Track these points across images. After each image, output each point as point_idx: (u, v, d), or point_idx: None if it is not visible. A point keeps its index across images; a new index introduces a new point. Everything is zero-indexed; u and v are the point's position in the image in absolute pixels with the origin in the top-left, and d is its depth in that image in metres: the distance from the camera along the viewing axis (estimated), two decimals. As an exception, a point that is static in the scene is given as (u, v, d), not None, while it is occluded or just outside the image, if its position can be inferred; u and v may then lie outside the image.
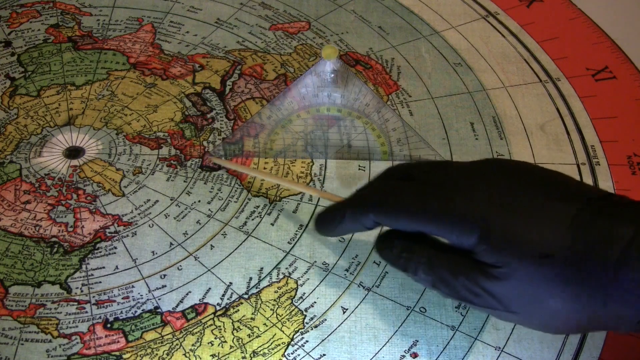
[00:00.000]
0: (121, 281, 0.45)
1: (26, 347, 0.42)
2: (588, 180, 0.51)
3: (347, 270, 0.46)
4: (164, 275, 0.45)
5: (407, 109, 0.55)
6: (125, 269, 0.45)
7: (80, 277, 0.45)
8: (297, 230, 0.48)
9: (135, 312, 0.43)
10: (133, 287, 0.45)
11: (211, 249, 0.47)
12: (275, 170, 0.51)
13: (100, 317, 0.43)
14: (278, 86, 0.56)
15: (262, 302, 0.44)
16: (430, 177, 0.38)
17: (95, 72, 0.57)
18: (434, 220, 0.36)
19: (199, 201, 0.49)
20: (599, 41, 0.61)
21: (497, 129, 0.54)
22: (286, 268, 0.46)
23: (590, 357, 0.42)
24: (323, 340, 0.43)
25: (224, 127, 0.53)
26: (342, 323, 0.43)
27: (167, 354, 0.42)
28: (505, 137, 0.53)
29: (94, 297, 0.44)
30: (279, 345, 0.42)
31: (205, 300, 0.44)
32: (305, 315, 0.44)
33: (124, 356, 0.42)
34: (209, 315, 0.43)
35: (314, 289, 0.45)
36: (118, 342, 0.42)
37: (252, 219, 0.48)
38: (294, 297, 0.44)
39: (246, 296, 0.44)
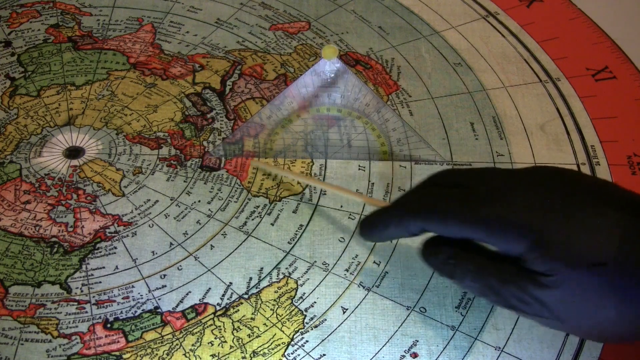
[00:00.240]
0: (121, 281, 0.45)
1: (26, 347, 0.42)
2: (588, 180, 0.51)
3: (347, 270, 0.46)
4: (164, 275, 0.45)
5: (407, 109, 0.55)
6: (125, 269, 0.45)
7: (80, 277, 0.45)
8: (297, 230, 0.48)
9: (135, 312, 0.43)
10: (133, 287, 0.45)
11: (211, 249, 0.47)
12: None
13: (100, 317, 0.43)
14: (278, 86, 0.56)
15: (262, 302, 0.44)
16: (477, 184, 0.38)
17: (95, 72, 0.57)
18: (484, 227, 0.36)
19: (199, 201, 0.49)
20: (599, 41, 0.61)
21: (497, 129, 0.54)
22: (286, 268, 0.46)
23: (590, 357, 0.42)
24: (323, 340, 0.43)
25: (224, 127, 0.53)
26: (342, 323, 0.43)
27: (167, 354, 0.42)
28: (505, 137, 0.53)
29: (94, 297, 0.44)
30: (279, 345, 0.42)
31: (205, 300, 0.44)
32: (305, 315, 0.44)
33: (124, 356, 0.42)
34: (209, 315, 0.43)
35: (314, 289, 0.45)
36: (118, 342, 0.42)
37: (252, 219, 0.48)
38: (294, 297, 0.44)
39: (246, 296, 0.44)
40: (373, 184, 0.50)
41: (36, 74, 0.56)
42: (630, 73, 0.58)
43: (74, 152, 0.51)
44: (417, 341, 0.43)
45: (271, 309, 0.44)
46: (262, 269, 0.46)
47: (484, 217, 0.36)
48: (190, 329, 0.43)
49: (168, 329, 0.43)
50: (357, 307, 0.44)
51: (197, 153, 0.52)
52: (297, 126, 0.52)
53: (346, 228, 0.48)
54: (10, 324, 0.43)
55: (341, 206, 0.49)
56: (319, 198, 0.49)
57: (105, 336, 0.42)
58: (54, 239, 0.47)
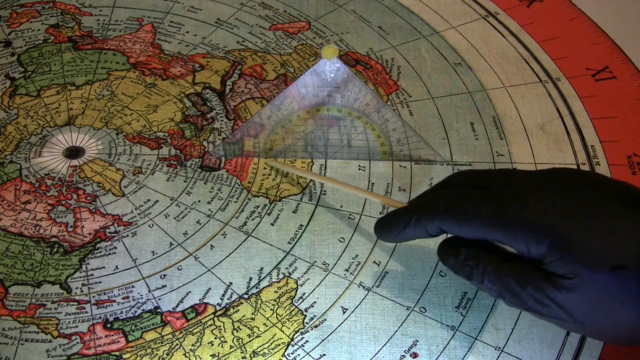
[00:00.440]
0: (121, 281, 0.45)
1: (26, 347, 0.42)
2: (588, 180, 0.51)
3: (347, 270, 0.46)
4: (164, 275, 0.45)
5: (407, 109, 0.55)
6: (125, 269, 0.45)
7: (80, 277, 0.45)
8: (297, 230, 0.48)
9: (135, 312, 0.43)
10: (133, 287, 0.45)
11: (211, 249, 0.47)
12: (275, 170, 0.51)
13: (100, 317, 0.43)
14: (278, 86, 0.56)
15: (262, 302, 0.44)
16: (497, 185, 0.38)
17: (95, 72, 0.57)
18: (503, 228, 0.36)
19: (199, 201, 0.49)
20: (599, 41, 0.61)
21: (497, 129, 0.54)
22: (286, 268, 0.46)
23: (590, 357, 0.42)
24: (323, 340, 0.43)
25: (224, 127, 0.53)
26: (342, 323, 0.43)
27: (167, 354, 0.42)
28: (505, 137, 0.53)
29: (94, 297, 0.44)
30: (279, 345, 0.42)
31: (205, 300, 0.44)
32: (305, 315, 0.44)
33: (124, 356, 0.42)
34: (209, 315, 0.43)
35: (314, 289, 0.45)
36: (118, 342, 0.42)
37: (252, 219, 0.48)
38: (294, 297, 0.44)
39: (246, 296, 0.44)
40: (373, 184, 0.50)
41: (36, 74, 0.56)
42: (630, 73, 0.58)
43: (74, 152, 0.51)
44: (417, 341, 0.43)
45: (271, 309, 0.44)
46: (262, 269, 0.46)
47: (504, 218, 0.36)
48: (190, 329, 0.43)
49: (168, 329, 0.43)
50: (357, 307, 0.44)
51: (197, 153, 0.52)
52: (297, 126, 0.52)
53: (346, 228, 0.48)
54: (10, 324, 0.43)
55: (341, 206, 0.49)
56: (319, 198, 0.49)
57: (105, 336, 0.42)
58: (54, 239, 0.47)
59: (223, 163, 0.51)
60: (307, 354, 0.42)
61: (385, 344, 0.42)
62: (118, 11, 0.62)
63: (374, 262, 0.46)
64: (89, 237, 0.47)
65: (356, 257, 0.46)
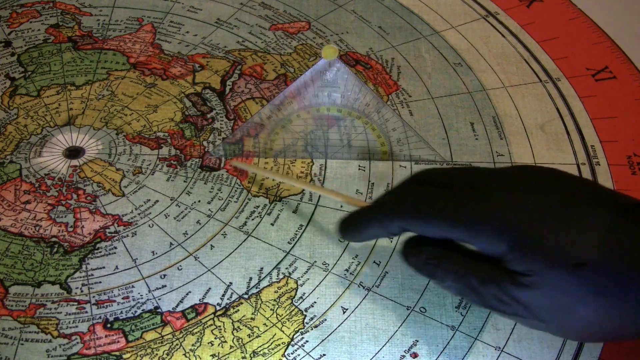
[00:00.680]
0: (121, 281, 0.45)
1: (26, 347, 0.42)
2: (588, 180, 0.51)
3: (347, 270, 0.46)
4: (164, 275, 0.45)
5: (407, 109, 0.55)
6: (125, 269, 0.45)
7: (80, 277, 0.45)
8: (297, 230, 0.48)
9: (135, 312, 0.43)
10: (133, 287, 0.45)
11: (211, 249, 0.47)
12: (275, 170, 0.51)
13: (100, 317, 0.43)
14: (278, 86, 0.56)
15: (262, 302, 0.44)
16: (459, 184, 0.38)
17: (95, 72, 0.57)
18: (463, 228, 0.36)
19: (199, 201, 0.49)
20: (599, 41, 0.61)
21: (497, 129, 0.54)
22: (286, 268, 0.46)
23: (590, 357, 0.42)
24: (323, 340, 0.43)
25: (224, 127, 0.53)
26: (342, 323, 0.43)
27: (167, 354, 0.42)
28: (505, 137, 0.53)
29: (94, 297, 0.44)
30: (279, 345, 0.42)
31: (205, 300, 0.44)
32: (305, 315, 0.44)
33: (124, 356, 0.42)
34: (209, 315, 0.43)
35: (314, 289, 0.45)
36: (118, 342, 0.42)
37: (252, 219, 0.48)
38: (294, 297, 0.44)
39: (246, 296, 0.44)
40: (373, 184, 0.50)
41: (36, 74, 0.56)
42: (630, 73, 0.58)
43: (74, 152, 0.51)
44: (417, 341, 0.43)
45: (271, 309, 0.44)
46: (262, 269, 0.46)
47: (465, 216, 0.36)
48: (190, 329, 0.43)
49: (168, 329, 0.43)
50: (357, 307, 0.44)
51: (197, 153, 0.52)
52: (297, 126, 0.52)
53: (346, 228, 0.48)
54: (10, 324, 0.43)
55: (341, 206, 0.49)
56: (319, 198, 0.49)
57: (105, 336, 0.42)
58: (54, 239, 0.47)
59: (223, 163, 0.51)
60: (307, 354, 0.42)
61: (385, 344, 0.42)
62: (118, 11, 0.62)
63: (374, 262, 0.46)
64: (89, 237, 0.47)
65: (356, 257, 0.46)
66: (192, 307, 0.44)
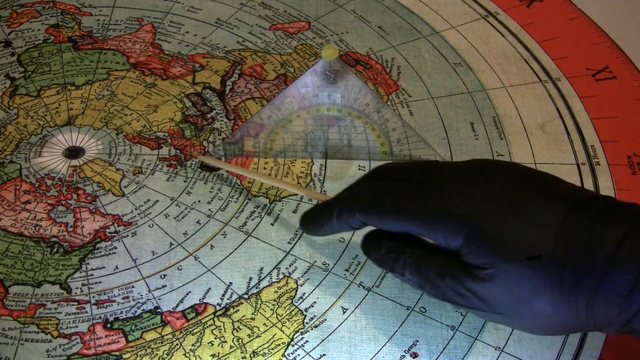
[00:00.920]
0: (121, 281, 0.45)
1: (26, 347, 0.42)
2: (588, 180, 0.51)
3: (347, 270, 0.46)
4: (164, 275, 0.45)
5: (407, 109, 0.55)
6: (125, 269, 0.45)
7: (80, 277, 0.45)
8: (297, 230, 0.48)
9: (135, 312, 0.43)
10: (133, 287, 0.45)
11: (211, 249, 0.47)
12: (276, 170, 0.51)
13: (100, 317, 0.43)
14: (278, 86, 0.56)
15: (262, 302, 0.44)
16: (417, 178, 0.38)
17: (95, 72, 0.57)
18: (420, 221, 0.36)
19: (199, 201, 0.49)
20: (599, 41, 0.61)
21: (497, 129, 0.54)
22: (286, 268, 0.46)
23: (590, 357, 0.42)
24: (323, 340, 0.43)
25: (224, 127, 0.53)
26: (342, 323, 0.43)
27: (167, 354, 0.42)
28: (505, 137, 0.53)
29: (94, 297, 0.44)
30: (279, 345, 0.42)
31: (205, 300, 0.44)
32: (305, 315, 0.44)
33: (124, 356, 0.42)
34: (209, 315, 0.43)
35: (314, 289, 0.45)
36: (118, 342, 0.42)
37: (252, 219, 0.48)
38: (294, 297, 0.44)
39: (246, 296, 0.44)
40: (373, 184, 0.50)
41: (36, 74, 0.56)
42: (630, 73, 0.58)
43: (74, 152, 0.51)
44: (417, 341, 0.43)
45: (271, 309, 0.44)
46: (262, 269, 0.46)
47: (421, 211, 0.36)
48: (190, 329, 0.43)
49: (168, 329, 0.43)
50: (357, 307, 0.44)
51: (197, 153, 0.52)
52: (297, 126, 0.52)
53: (346, 228, 0.48)
54: (10, 324, 0.43)
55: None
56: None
57: (105, 336, 0.42)
58: (54, 239, 0.47)
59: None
60: (307, 354, 0.42)
61: (385, 344, 0.42)
62: (118, 11, 0.62)
63: (374, 262, 0.46)
64: (89, 237, 0.47)
65: (356, 257, 0.46)
66: (192, 307, 0.44)
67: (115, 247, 0.46)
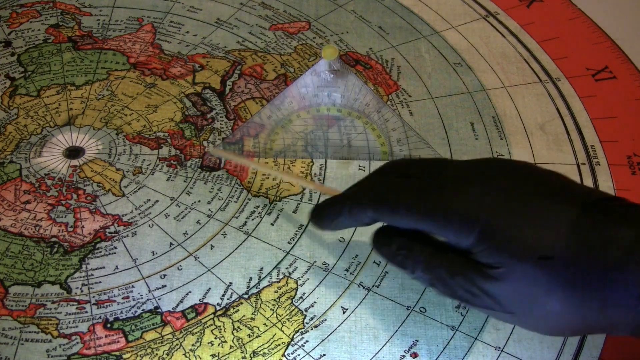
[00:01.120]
0: (121, 281, 0.45)
1: (26, 347, 0.42)
2: (588, 180, 0.51)
3: (347, 270, 0.46)
4: (164, 275, 0.45)
5: (407, 109, 0.55)
6: (125, 269, 0.45)
7: (80, 277, 0.45)
8: (297, 230, 0.48)
9: (135, 312, 0.43)
10: (133, 287, 0.45)
11: (211, 249, 0.47)
12: (276, 170, 0.51)
13: (100, 317, 0.43)
14: (278, 86, 0.56)
15: (262, 302, 0.44)
16: (429, 175, 0.38)
17: (95, 72, 0.57)
18: (432, 219, 0.36)
19: (199, 201, 0.49)
20: (599, 41, 0.61)
21: (497, 129, 0.54)
22: (286, 268, 0.46)
23: (590, 357, 0.42)
24: (323, 340, 0.43)
25: (224, 127, 0.53)
26: (342, 323, 0.43)
27: (167, 354, 0.42)
28: (505, 137, 0.53)
29: (94, 297, 0.44)
30: (279, 345, 0.42)
31: (205, 300, 0.44)
32: (305, 315, 0.44)
33: (124, 356, 0.42)
34: (209, 315, 0.43)
35: (314, 289, 0.45)
36: (118, 342, 0.42)
37: (252, 219, 0.48)
38: (294, 297, 0.44)
39: (246, 296, 0.44)
40: (373, 184, 0.50)
41: (36, 74, 0.56)
42: (630, 73, 0.58)
43: (74, 152, 0.51)
44: (417, 341, 0.43)
45: (271, 309, 0.44)
46: (262, 269, 0.46)
47: (433, 208, 0.36)
48: (190, 329, 0.43)
49: (168, 329, 0.43)
50: (357, 307, 0.44)
51: (197, 153, 0.52)
52: (297, 126, 0.52)
53: (346, 228, 0.48)
54: (10, 324, 0.43)
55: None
56: (319, 198, 0.49)
57: (105, 336, 0.42)
58: (54, 239, 0.47)
59: (223, 163, 0.51)
60: (307, 354, 0.42)
61: (385, 344, 0.42)
62: (118, 11, 0.62)
63: (374, 262, 0.46)
64: (89, 237, 0.47)
65: (356, 257, 0.46)
66: (192, 307, 0.44)
67: (115, 247, 0.46)
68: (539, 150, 0.53)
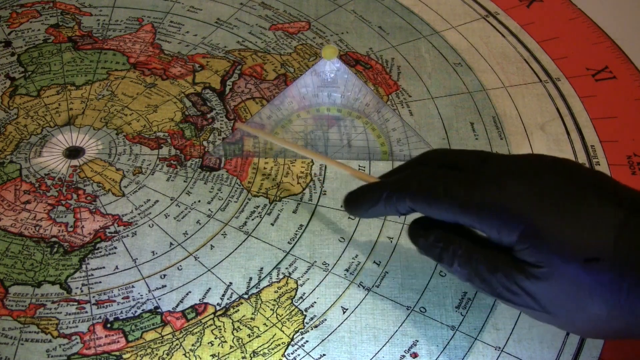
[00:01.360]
0: (121, 281, 0.45)
1: (26, 347, 0.42)
2: (588, 180, 0.51)
3: (347, 270, 0.46)
4: (164, 275, 0.45)
5: (407, 109, 0.55)
6: (125, 269, 0.45)
7: (80, 277, 0.45)
8: (297, 230, 0.48)
9: (135, 312, 0.43)
10: (133, 287, 0.45)
11: (211, 249, 0.47)
12: (276, 170, 0.51)
13: (100, 317, 0.43)
14: (278, 86, 0.56)
15: (262, 302, 0.44)
16: (472, 167, 0.37)
17: (95, 72, 0.57)
18: (474, 213, 0.35)
19: (199, 201, 0.49)
20: (599, 41, 0.61)
21: (497, 129, 0.54)
22: (286, 268, 0.46)
23: (590, 357, 0.42)
24: (323, 340, 0.43)
25: (224, 127, 0.53)
26: (342, 323, 0.43)
27: (167, 354, 0.42)
28: (505, 137, 0.53)
29: (94, 297, 0.44)
30: (279, 345, 0.42)
31: (205, 300, 0.44)
32: (305, 315, 0.44)
33: (124, 356, 0.42)
34: (209, 315, 0.43)
35: (314, 289, 0.45)
36: (118, 342, 0.42)
37: (252, 219, 0.48)
38: (294, 297, 0.44)
39: (246, 296, 0.44)
40: (373, 184, 0.50)
41: (36, 74, 0.56)
42: (630, 73, 0.58)
43: (74, 152, 0.51)
44: (417, 341, 0.43)
45: (271, 309, 0.44)
46: (262, 269, 0.46)
47: (477, 202, 0.35)
48: (190, 329, 0.43)
49: (168, 329, 0.43)
50: (357, 307, 0.44)
51: (197, 153, 0.52)
52: (297, 126, 0.52)
53: (346, 228, 0.48)
54: (10, 324, 0.43)
55: (341, 206, 0.49)
56: (319, 198, 0.49)
57: (105, 336, 0.42)
58: (54, 239, 0.47)
59: (223, 163, 0.51)
60: (307, 354, 0.42)
61: (385, 344, 0.42)
62: (118, 11, 0.62)
63: (374, 262, 0.46)
64: (89, 237, 0.47)
65: (356, 257, 0.46)
66: (192, 307, 0.44)
67: (115, 247, 0.46)
68: (539, 151, 0.53)
